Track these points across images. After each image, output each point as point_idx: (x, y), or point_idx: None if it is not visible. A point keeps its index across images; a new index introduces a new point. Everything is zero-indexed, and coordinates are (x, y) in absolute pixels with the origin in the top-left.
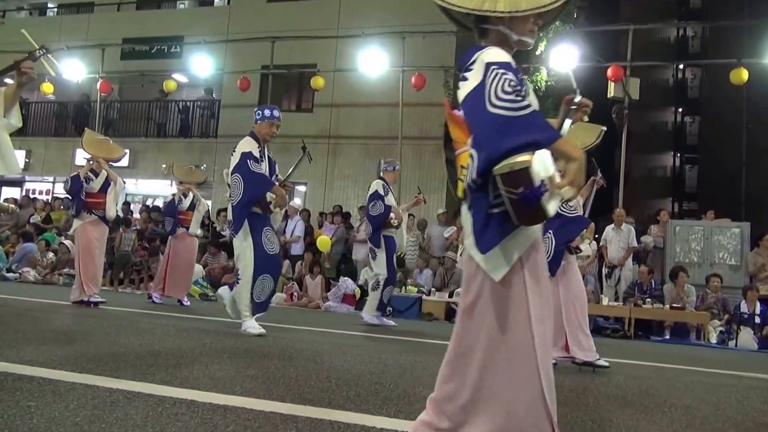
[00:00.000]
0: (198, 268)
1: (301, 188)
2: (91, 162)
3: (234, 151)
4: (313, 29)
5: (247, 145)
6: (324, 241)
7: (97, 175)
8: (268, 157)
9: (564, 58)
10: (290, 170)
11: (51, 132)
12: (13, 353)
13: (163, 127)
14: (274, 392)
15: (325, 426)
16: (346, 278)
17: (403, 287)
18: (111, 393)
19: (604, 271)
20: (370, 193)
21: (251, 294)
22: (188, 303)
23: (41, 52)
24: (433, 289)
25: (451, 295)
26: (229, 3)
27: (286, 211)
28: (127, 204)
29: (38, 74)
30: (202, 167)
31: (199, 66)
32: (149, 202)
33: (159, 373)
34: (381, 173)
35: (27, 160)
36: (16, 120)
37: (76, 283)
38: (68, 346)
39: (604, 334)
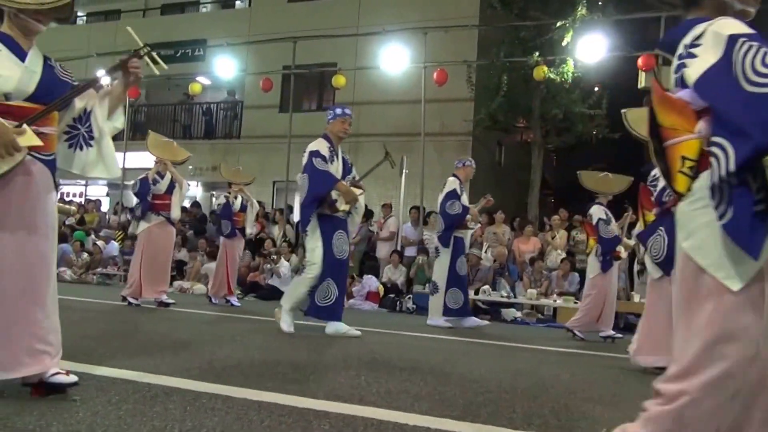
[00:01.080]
0: None
1: None
2: (158, 164)
3: (305, 151)
4: (333, 28)
5: (317, 144)
6: None
7: (162, 176)
8: (342, 157)
9: (592, 48)
10: (367, 173)
11: None
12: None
13: (188, 129)
14: (306, 388)
15: (358, 422)
16: (369, 276)
17: (428, 284)
18: (150, 388)
19: (636, 267)
20: (446, 191)
21: (313, 296)
22: (239, 303)
23: (146, 50)
24: None
25: (476, 292)
26: (250, 5)
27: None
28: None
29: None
30: None
31: (222, 68)
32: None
33: (194, 368)
34: (456, 170)
35: None
36: (120, 122)
37: (130, 281)
38: (106, 342)
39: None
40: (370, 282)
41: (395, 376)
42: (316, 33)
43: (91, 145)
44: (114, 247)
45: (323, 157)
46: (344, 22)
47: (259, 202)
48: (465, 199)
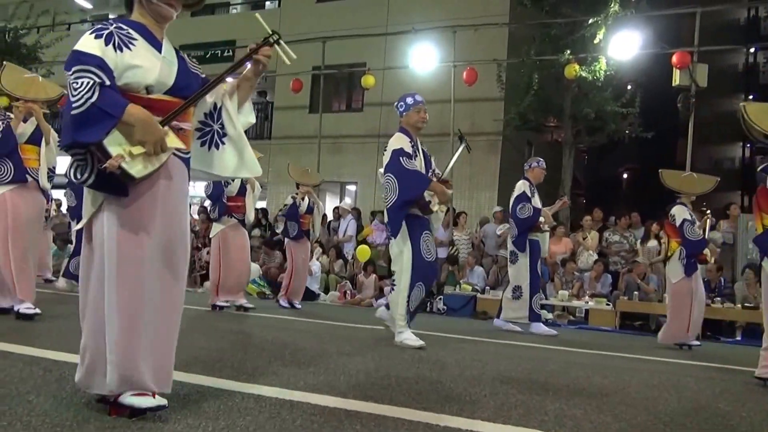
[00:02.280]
0: (255, 267)
1: (352, 188)
2: None
3: (386, 149)
4: (362, 28)
5: (398, 141)
6: (363, 250)
7: (233, 179)
8: (423, 150)
9: (625, 45)
10: (449, 164)
11: None
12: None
13: None
14: (336, 388)
15: (389, 423)
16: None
17: (458, 285)
18: (183, 387)
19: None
20: (515, 194)
21: (407, 303)
22: (300, 306)
23: (275, 37)
24: (487, 287)
25: None
26: (279, 6)
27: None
28: None
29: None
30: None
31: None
32: (207, 204)
33: (225, 369)
34: (525, 172)
35: None
36: (252, 116)
37: (210, 287)
38: None
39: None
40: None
41: (425, 376)
42: (345, 33)
43: (224, 143)
44: None
45: (408, 155)
46: (373, 21)
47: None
48: (537, 201)
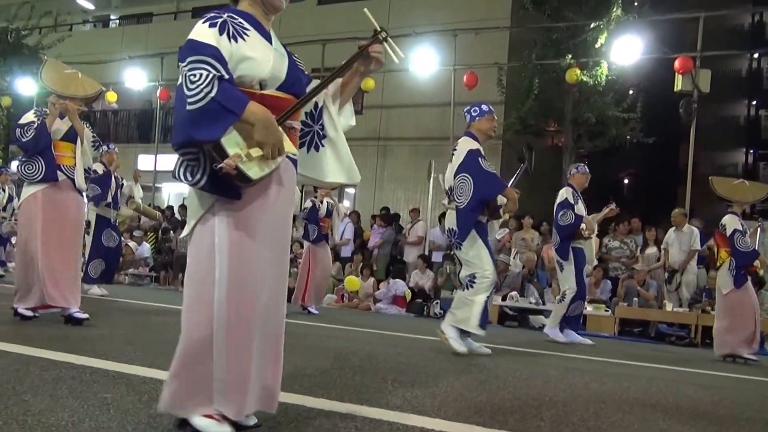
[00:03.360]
0: None
1: (351, 190)
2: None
3: (454, 150)
4: (362, 30)
5: (471, 143)
6: (352, 281)
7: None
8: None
9: (627, 50)
10: (513, 179)
11: (115, 139)
12: (88, 347)
13: None
14: (332, 392)
15: (384, 426)
16: (396, 280)
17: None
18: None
19: (665, 275)
20: (558, 201)
21: (482, 308)
22: (317, 311)
23: (384, 34)
24: None
25: (504, 299)
26: None
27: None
28: (184, 207)
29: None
30: None
31: None
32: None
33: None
34: (568, 179)
35: None
36: (353, 119)
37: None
38: (138, 343)
39: (667, 341)
40: (397, 286)
41: (421, 380)
42: (345, 35)
43: (323, 145)
44: (146, 248)
45: (483, 156)
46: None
47: None
48: (581, 208)
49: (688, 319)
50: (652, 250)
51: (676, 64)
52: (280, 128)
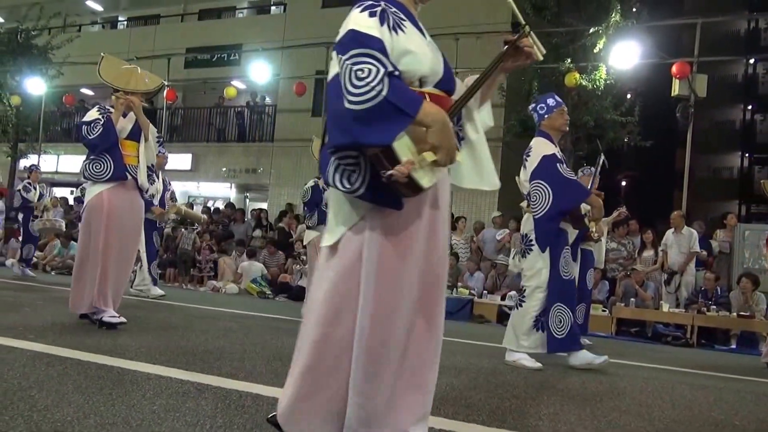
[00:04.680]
0: (258, 266)
1: None
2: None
3: (528, 154)
4: None
5: (546, 146)
6: None
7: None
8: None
9: (625, 55)
10: (591, 179)
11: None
12: (93, 343)
13: (223, 132)
14: None
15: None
16: None
17: (455, 289)
18: (183, 384)
19: (663, 276)
20: None
21: (549, 330)
22: None
23: (528, 28)
24: (484, 291)
25: (503, 298)
26: (285, 11)
27: None
28: (190, 205)
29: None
30: (260, 170)
31: (257, 72)
32: (210, 204)
33: (225, 366)
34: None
35: None
36: (491, 119)
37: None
38: (142, 339)
39: (663, 341)
40: None
41: None
42: None
43: (460, 146)
44: None
45: (560, 161)
46: None
47: (290, 204)
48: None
49: (685, 320)
50: (649, 252)
51: (674, 69)
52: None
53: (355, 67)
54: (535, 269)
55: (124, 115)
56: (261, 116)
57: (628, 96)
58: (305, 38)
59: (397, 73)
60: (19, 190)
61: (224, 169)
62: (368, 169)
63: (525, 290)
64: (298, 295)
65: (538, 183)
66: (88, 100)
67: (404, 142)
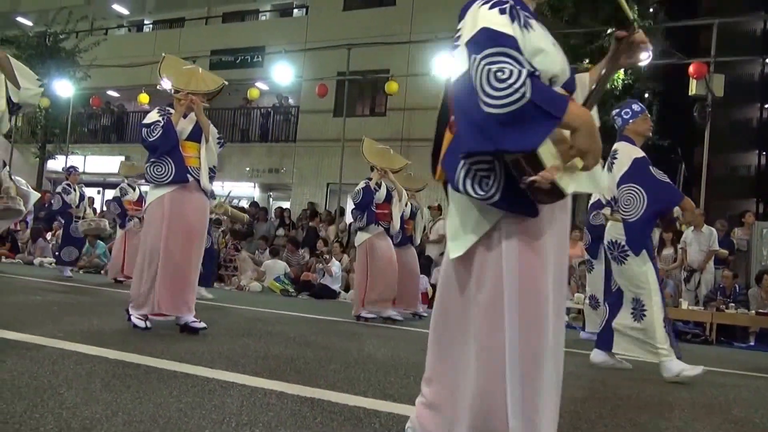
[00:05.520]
0: (281, 265)
1: None
2: (378, 172)
3: (615, 158)
4: (386, 35)
5: (635, 150)
6: None
7: (379, 186)
8: None
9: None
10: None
11: None
12: (120, 341)
13: (246, 132)
14: (356, 386)
15: (407, 422)
16: (422, 276)
17: None
18: (208, 382)
19: (683, 274)
20: (591, 202)
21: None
22: (400, 317)
23: (636, 24)
24: None
25: None
26: (307, 13)
27: None
28: (241, 208)
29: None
30: (282, 170)
31: (280, 74)
32: (234, 203)
33: (249, 364)
34: None
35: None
36: (597, 118)
37: (354, 296)
38: (166, 338)
39: (683, 339)
40: (421, 282)
41: None
42: (369, 40)
43: None
44: None
45: (651, 164)
46: (397, 30)
47: (312, 203)
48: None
49: (704, 317)
50: (669, 250)
51: (691, 69)
52: None
53: (493, 68)
54: (638, 275)
55: (185, 116)
56: (287, 117)
57: (646, 96)
58: (327, 40)
59: (537, 73)
60: (59, 193)
61: (248, 168)
62: (503, 174)
63: (641, 300)
64: (320, 292)
65: (631, 186)
66: (114, 101)
67: (546, 146)
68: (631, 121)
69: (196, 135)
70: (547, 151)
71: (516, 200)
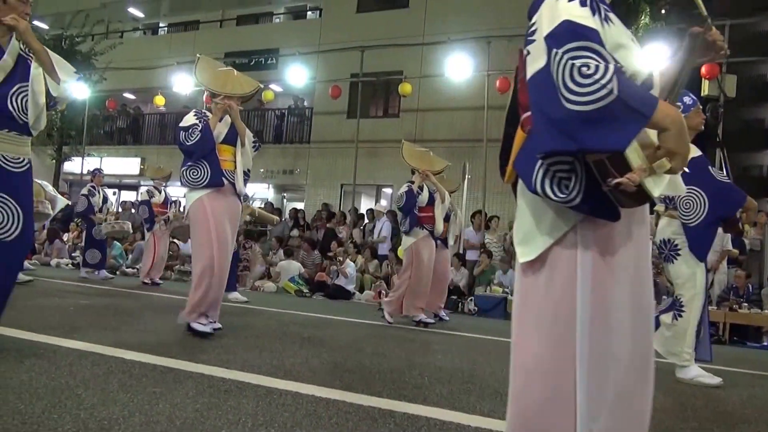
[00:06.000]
0: (296, 265)
1: (387, 190)
2: (420, 175)
3: None
4: (399, 37)
5: (692, 149)
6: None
7: (421, 189)
8: None
9: (655, 56)
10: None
11: (163, 141)
12: (135, 342)
13: (261, 134)
14: (371, 387)
15: (422, 422)
16: None
17: (488, 287)
18: (224, 382)
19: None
20: None
21: (706, 332)
22: (447, 317)
23: (709, 20)
24: None
25: None
26: (320, 16)
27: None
28: (270, 209)
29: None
30: (296, 171)
31: (294, 76)
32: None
33: (264, 365)
34: None
35: (142, 167)
36: None
37: (391, 296)
38: (181, 338)
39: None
40: None
41: (458, 377)
42: (383, 42)
43: None
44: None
45: (710, 164)
46: (410, 31)
47: (326, 204)
48: None
49: (717, 317)
50: None
51: (703, 69)
52: None
53: (577, 62)
54: (686, 276)
55: (220, 119)
56: (301, 119)
57: None
58: (340, 42)
59: (624, 68)
60: (84, 195)
61: (262, 170)
62: (584, 175)
63: (681, 300)
64: (334, 293)
65: (691, 189)
66: (130, 103)
67: (633, 146)
68: (683, 114)
69: (231, 138)
70: (633, 152)
71: (598, 203)
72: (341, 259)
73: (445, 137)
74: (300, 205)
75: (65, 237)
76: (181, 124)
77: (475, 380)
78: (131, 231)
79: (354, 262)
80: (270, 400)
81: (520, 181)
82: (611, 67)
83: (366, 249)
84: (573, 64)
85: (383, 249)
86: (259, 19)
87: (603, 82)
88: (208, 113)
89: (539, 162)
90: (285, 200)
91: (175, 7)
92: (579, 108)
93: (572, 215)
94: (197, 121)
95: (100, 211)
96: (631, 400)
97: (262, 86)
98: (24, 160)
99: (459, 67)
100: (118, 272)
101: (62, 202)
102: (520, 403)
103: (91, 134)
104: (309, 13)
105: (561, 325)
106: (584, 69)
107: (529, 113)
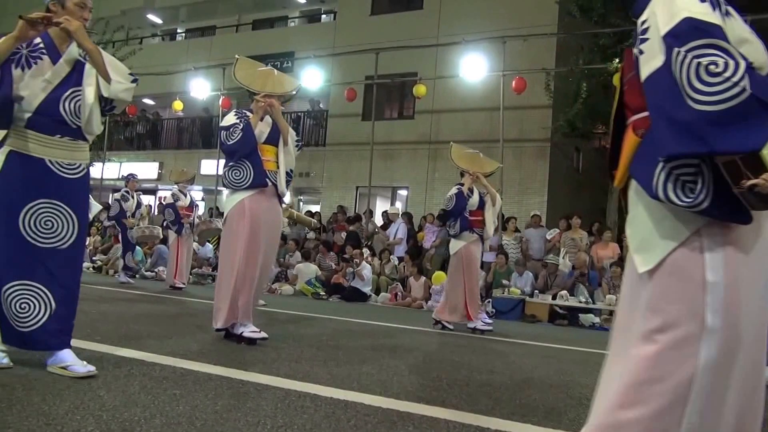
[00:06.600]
0: (313, 268)
1: (403, 192)
2: (469, 177)
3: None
4: (414, 39)
5: None
6: (439, 276)
7: (472, 191)
8: None
9: None
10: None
11: (180, 145)
12: (155, 344)
13: None
14: (389, 389)
15: (441, 425)
16: None
17: (506, 290)
18: (243, 384)
19: None
20: None
21: None
22: (489, 322)
23: None
24: (536, 291)
25: (554, 298)
26: (335, 19)
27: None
28: (309, 212)
29: None
30: (312, 174)
31: (309, 79)
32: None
33: (282, 367)
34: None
35: (160, 171)
36: None
37: (449, 305)
38: (200, 340)
39: None
40: None
41: (475, 379)
42: (397, 44)
43: None
44: (209, 249)
45: None
46: (424, 33)
47: (342, 207)
48: None
49: None
50: None
51: None
52: None
53: (704, 60)
54: None
55: (261, 119)
56: (317, 121)
57: None
58: (355, 45)
59: (754, 65)
60: (117, 200)
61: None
62: (711, 177)
63: None
64: (350, 295)
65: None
66: (149, 109)
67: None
68: None
69: (274, 138)
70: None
71: (727, 206)
72: (357, 261)
73: (460, 138)
74: (316, 208)
75: (86, 241)
76: (221, 124)
77: (493, 383)
78: (161, 236)
79: (371, 264)
80: (289, 402)
81: (633, 187)
82: (742, 63)
83: (382, 251)
84: (699, 63)
85: (399, 251)
86: (274, 23)
87: (735, 79)
88: (248, 113)
89: (660, 165)
90: (301, 203)
91: (192, 14)
92: (709, 108)
93: (694, 218)
94: (238, 121)
95: (133, 215)
96: (745, 418)
97: (301, 84)
98: (80, 165)
99: (474, 68)
100: (137, 275)
101: (96, 207)
102: (635, 412)
103: (112, 140)
104: (323, 16)
105: (684, 327)
106: (712, 67)
107: (640, 115)
